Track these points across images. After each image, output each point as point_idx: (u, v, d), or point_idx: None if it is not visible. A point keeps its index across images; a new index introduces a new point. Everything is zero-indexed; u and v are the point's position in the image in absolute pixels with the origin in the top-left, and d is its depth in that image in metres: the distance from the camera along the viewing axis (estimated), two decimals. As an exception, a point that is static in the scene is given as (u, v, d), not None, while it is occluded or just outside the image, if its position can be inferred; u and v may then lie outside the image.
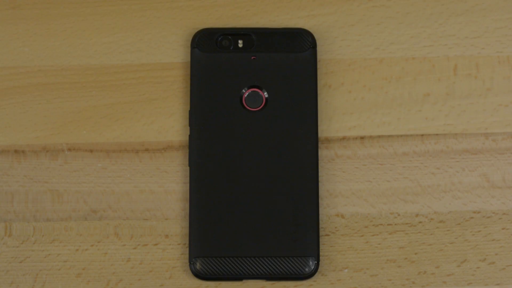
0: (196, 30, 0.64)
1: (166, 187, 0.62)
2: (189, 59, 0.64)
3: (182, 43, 0.64)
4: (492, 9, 0.65)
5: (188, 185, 0.62)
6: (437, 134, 0.63)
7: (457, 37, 0.64)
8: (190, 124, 0.62)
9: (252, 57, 0.62)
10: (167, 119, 0.63)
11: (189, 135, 0.62)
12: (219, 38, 0.63)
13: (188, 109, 0.63)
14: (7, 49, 0.65)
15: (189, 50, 0.64)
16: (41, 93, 0.64)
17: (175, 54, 0.64)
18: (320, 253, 0.61)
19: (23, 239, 0.62)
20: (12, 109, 0.64)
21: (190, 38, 0.64)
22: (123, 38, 0.65)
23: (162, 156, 0.63)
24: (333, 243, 0.62)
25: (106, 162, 0.63)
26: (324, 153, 0.63)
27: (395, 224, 0.62)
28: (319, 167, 0.62)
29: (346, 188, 0.62)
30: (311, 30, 0.64)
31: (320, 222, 0.61)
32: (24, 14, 0.65)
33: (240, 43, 0.63)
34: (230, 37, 0.63)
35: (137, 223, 0.62)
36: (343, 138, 0.63)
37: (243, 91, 0.62)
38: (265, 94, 0.62)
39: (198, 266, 0.60)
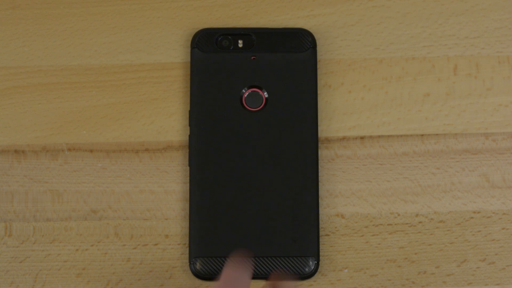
0: (196, 30, 0.64)
1: (166, 187, 0.62)
2: (189, 59, 0.64)
3: (182, 43, 0.64)
4: (492, 9, 0.65)
5: (188, 185, 0.62)
6: (437, 134, 0.63)
7: (457, 37, 0.64)
8: (190, 124, 0.62)
9: (252, 57, 0.62)
10: (167, 119, 0.63)
11: (189, 135, 0.62)
12: (219, 38, 0.63)
13: (188, 109, 0.63)
14: (7, 49, 0.65)
15: (189, 50, 0.64)
16: (41, 93, 0.64)
17: (175, 54, 0.64)
18: (320, 253, 0.61)
19: (23, 239, 0.62)
20: (12, 109, 0.64)
21: (190, 38, 0.64)
22: (123, 38, 0.65)
23: (162, 156, 0.63)
24: (333, 243, 0.62)
25: (106, 162, 0.63)
26: (324, 153, 0.63)
27: (395, 224, 0.62)
28: (319, 167, 0.62)
29: (346, 188, 0.62)
30: (311, 30, 0.64)
31: (320, 222, 0.61)
32: (24, 14, 0.65)
33: (240, 43, 0.63)
34: (230, 37, 0.63)
35: (137, 223, 0.62)
36: (343, 138, 0.63)
37: (243, 91, 0.62)
38: (265, 94, 0.62)
39: (198, 266, 0.60)
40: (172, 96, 0.64)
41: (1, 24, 0.65)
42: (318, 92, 0.63)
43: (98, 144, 0.63)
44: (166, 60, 0.64)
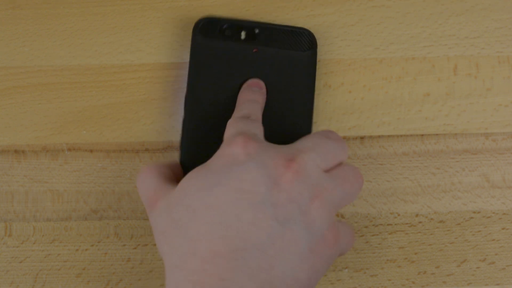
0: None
1: (166, 187, 0.62)
2: (188, 59, 0.64)
3: (182, 43, 0.64)
4: (492, 9, 0.65)
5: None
6: (437, 134, 0.63)
7: (457, 37, 0.64)
8: (185, 109, 0.61)
9: (254, 50, 0.62)
10: (167, 119, 0.63)
11: (183, 119, 0.61)
12: (223, 27, 0.63)
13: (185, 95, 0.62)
14: (7, 49, 0.65)
15: (188, 50, 0.64)
16: (41, 93, 0.64)
17: (175, 54, 0.64)
18: (320, 253, 0.61)
19: (23, 239, 0.62)
20: (12, 109, 0.64)
21: (190, 38, 0.64)
22: (123, 38, 0.65)
23: (162, 156, 0.63)
24: (333, 243, 0.62)
25: (106, 162, 0.63)
26: (324, 153, 0.62)
27: (395, 224, 0.62)
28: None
29: (346, 188, 0.62)
30: (311, 30, 0.64)
31: (320, 222, 0.61)
32: (24, 14, 0.65)
33: (243, 35, 0.63)
34: (233, 27, 0.63)
35: (137, 223, 0.62)
36: (343, 138, 0.63)
37: (242, 82, 0.62)
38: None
39: None
40: (172, 96, 0.64)
41: (1, 24, 0.65)
42: (318, 92, 0.63)
43: (98, 144, 0.63)
44: (166, 60, 0.64)
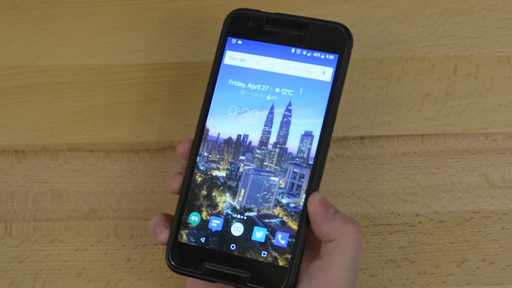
0: (195, 30, 0.64)
1: (166, 187, 0.62)
2: (188, 59, 0.64)
3: (182, 43, 0.64)
4: (492, 9, 0.65)
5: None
6: (437, 134, 0.63)
7: (457, 37, 0.64)
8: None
9: None
10: (167, 119, 0.63)
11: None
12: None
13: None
14: (7, 49, 0.65)
15: (188, 50, 0.64)
16: (41, 93, 0.64)
17: (175, 54, 0.64)
18: (320, 253, 0.61)
19: (23, 239, 0.62)
20: (12, 109, 0.64)
21: (190, 38, 0.64)
22: (123, 38, 0.65)
23: (162, 156, 0.63)
24: (333, 243, 0.62)
25: (106, 162, 0.63)
26: (324, 153, 0.62)
27: (395, 224, 0.62)
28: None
29: (346, 188, 0.62)
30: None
31: (320, 222, 0.61)
32: (24, 14, 0.65)
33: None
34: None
35: (137, 223, 0.62)
36: (343, 138, 0.63)
37: None
38: None
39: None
40: (172, 96, 0.64)
41: (1, 24, 0.65)
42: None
43: (98, 144, 0.63)
44: (166, 60, 0.64)
